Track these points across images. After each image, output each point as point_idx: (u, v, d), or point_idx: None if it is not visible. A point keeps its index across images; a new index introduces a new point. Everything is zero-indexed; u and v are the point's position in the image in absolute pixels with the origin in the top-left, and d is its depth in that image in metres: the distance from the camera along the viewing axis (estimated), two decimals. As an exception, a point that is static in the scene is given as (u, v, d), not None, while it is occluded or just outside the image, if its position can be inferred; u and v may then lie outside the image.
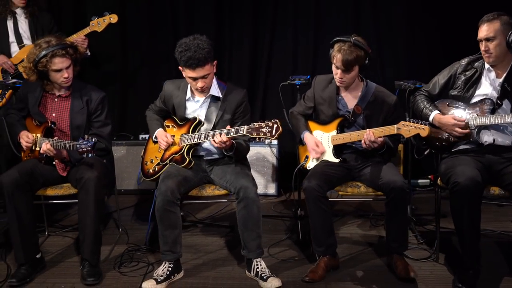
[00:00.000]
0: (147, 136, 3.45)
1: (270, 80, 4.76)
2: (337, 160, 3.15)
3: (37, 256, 3.11)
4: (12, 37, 4.06)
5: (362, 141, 2.97)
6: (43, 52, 3.03)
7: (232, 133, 2.88)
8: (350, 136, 3.10)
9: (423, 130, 2.79)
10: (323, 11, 4.69)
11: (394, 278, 2.98)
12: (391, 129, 2.90)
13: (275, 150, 4.49)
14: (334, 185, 3.12)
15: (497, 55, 2.93)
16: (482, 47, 2.94)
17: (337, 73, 3.07)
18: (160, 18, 4.80)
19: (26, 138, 3.11)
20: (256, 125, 2.80)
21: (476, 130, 3.00)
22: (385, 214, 3.05)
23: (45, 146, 3.02)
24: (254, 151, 4.50)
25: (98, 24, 3.98)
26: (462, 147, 3.06)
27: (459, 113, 3.03)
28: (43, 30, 4.08)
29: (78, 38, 3.94)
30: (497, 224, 3.73)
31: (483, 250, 2.88)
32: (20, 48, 4.04)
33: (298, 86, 3.75)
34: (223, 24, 4.79)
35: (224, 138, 2.88)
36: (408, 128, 2.84)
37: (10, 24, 4.06)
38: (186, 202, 4.16)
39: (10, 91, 3.43)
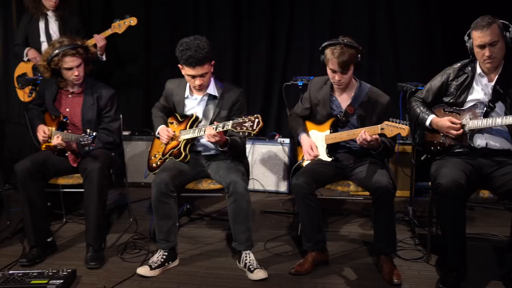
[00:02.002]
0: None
1: (287, 81, 4.83)
2: (329, 159, 3.22)
3: (48, 240, 3.36)
4: (43, 37, 4.37)
5: (357, 139, 2.98)
6: (56, 51, 3.30)
7: (219, 128, 3.01)
8: (341, 136, 3.16)
9: (403, 130, 2.83)
10: (339, 12, 4.75)
11: (380, 277, 3.02)
12: (376, 129, 2.94)
13: (287, 148, 4.59)
14: (324, 183, 3.19)
15: (500, 58, 2.93)
16: (487, 52, 2.88)
17: (334, 76, 3.10)
18: (182, 21, 5.05)
19: (42, 132, 3.39)
20: (240, 120, 2.91)
21: (469, 134, 2.99)
22: (372, 215, 3.09)
23: (56, 140, 3.28)
24: (267, 149, 4.63)
25: (119, 26, 4.24)
26: (455, 150, 3.06)
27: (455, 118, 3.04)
28: (71, 32, 4.37)
29: (98, 36, 4.22)
30: (503, 229, 3.65)
31: (481, 255, 2.82)
32: None
33: (300, 87, 3.83)
34: (242, 26, 4.97)
35: (213, 131, 3.02)
36: (390, 128, 2.88)
37: (41, 25, 4.37)
38: (197, 196, 4.33)
39: None
